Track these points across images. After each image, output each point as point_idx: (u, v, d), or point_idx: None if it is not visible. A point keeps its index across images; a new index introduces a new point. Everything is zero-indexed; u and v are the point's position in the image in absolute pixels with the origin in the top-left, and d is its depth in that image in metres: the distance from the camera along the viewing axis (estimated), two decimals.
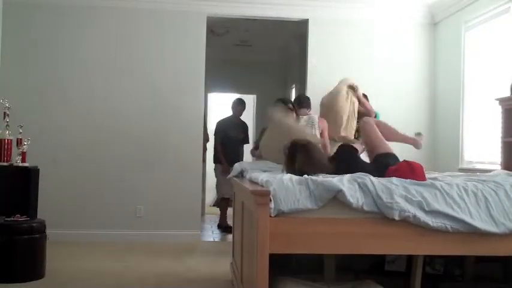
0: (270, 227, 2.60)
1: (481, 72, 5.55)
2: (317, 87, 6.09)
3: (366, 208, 2.70)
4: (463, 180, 3.04)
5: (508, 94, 4.52)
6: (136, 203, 6.03)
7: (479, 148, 5.55)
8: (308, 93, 6.20)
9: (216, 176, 7.20)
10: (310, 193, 2.71)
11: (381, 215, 2.72)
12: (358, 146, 4.38)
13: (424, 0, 6.18)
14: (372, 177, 2.84)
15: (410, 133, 6.27)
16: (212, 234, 6.89)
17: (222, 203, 7.09)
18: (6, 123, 4.75)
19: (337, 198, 2.70)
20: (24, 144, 4.79)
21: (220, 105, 9.32)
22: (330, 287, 3.08)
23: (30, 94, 5.92)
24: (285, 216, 2.68)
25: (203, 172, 6.87)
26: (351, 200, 2.68)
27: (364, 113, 5.53)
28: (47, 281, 4.12)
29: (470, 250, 2.87)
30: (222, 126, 7.14)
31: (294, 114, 4.71)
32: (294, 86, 9.14)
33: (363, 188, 2.75)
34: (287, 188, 2.73)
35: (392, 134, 3.94)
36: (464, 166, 5.63)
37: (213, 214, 7.79)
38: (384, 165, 3.30)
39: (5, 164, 4.65)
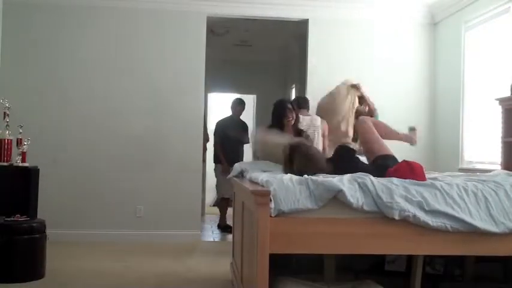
0: (270, 227, 2.60)
1: (481, 72, 5.55)
2: (317, 87, 6.09)
3: (366, 208, 2.70)
4: (463, 180, 3.04)
5: (508, 94, 4.51)
6: (136, 203, 6.03)
7: (479, 148, 5.55)
8: (308, 93, 6.22)
9: (216, 176, 7.20)
10: (310, 193, 2.71)
11: (381, 215, 2.72)
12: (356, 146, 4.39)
13: (424, 0, 6.18)
14: (372, 177, 2.84)
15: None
16: (212, 234, 6.89)
17: (222, 203, 7.09)
18: (6, 123, 4.75)
19: (337, 198, 2.70)
20: (24, 144, 4.79)
21: (220, 105, 9.31)
22: (330, 287, 3.08)
23: (30, 94, 5.92)
24: (285, 216, 2.68)
25: (203, 172, 6.87)
26: (351, 200, 2.68)
27: (362, 112, 5.53)
28: (47, 281, 4.12)
29: (470, 250, 2.87)
30: (221, 126, 7.15)
31: (294, 114, 4.72)
32: (294, 86, 9.14)
33: (363, 188, 2.75)
34: (287, 188, 2.73)
35: (388, 133, 3.95)
36: (464, 166, 5.63)
37: (213, 214, 7.79)
38: (384, 166, 3.30)
39: (5, 164, 4.65)
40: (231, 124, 7.13)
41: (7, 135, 4.71)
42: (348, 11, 6.27)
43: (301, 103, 5.41)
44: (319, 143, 5.21)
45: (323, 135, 5.40)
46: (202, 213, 7.50)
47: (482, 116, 5.47)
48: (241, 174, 3.99)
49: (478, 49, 5.61)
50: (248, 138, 7.32)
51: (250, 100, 9.80)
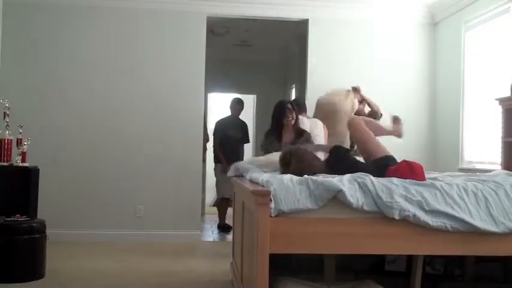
0: (270, 227, 2.60)
1: (481, 72, 5.55)
2: (317, 87, 6.09)
3: (366, 208, 2.70)
4: (463, 180, 3.04)
5: (508, 94, 4.51)
6: (136, 203, 6.03)
7: (479, 148, 5.55)
8: (308, 93, 6.23)
9: (216, 176, 7.20)
10: (311, 193, 2.71)
11: (381, 215, 2.72)
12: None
13: (424, 0, 6.18)
14: (371, 177, 2.84)
15: (409, 133, 6.32)
16: (212, 234, 6.89)
17: (222, 203, 7.09)
18: (6, 123, 4.75)
19: (337, 198, 2.70)
20: (24, 144, 4.79)
21: (220, 105, 9.32)
22: (330, 287, 3.09)
23: (30, 94, 5.92)
24: (285, 216, 2.68)
25: (203, 172, 6.87)
26: (351, 200, 2.68)
27: (362, 113, 5.52)
28: (47, 281, 4.12)
29: (470, 250, 2.87)
30: (221, 126, 7.15)
31: (294, 114, 4.73)
32: (294, 86, 9.14)
33: (363, 187, 2.75)
34: (287, 188, 2.73)
35: (377, 129, 3.95)
36: (464, 166, 5.63)
37: (213, 214, 7.78)
38: (384, 166, 3.30)
39: (5, 164, 4.65)
40: (231, 124, 7.12)
41: (7, 135, 4.71)
42: (348, 11, 6.27)
43: (300, 106, 5.39)
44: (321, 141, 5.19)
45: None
46: (202, 213, 7.49)
47: (482, 116, 5.47)
48: (240, 174, 3.99)
49: (478, 49, 5.61)
50: (248, 138, 7.33)
51: (250, 100, 9.81)
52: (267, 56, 9.58)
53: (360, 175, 2.86)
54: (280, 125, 4.73)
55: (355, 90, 5.61)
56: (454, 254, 3.02)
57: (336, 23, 6.29)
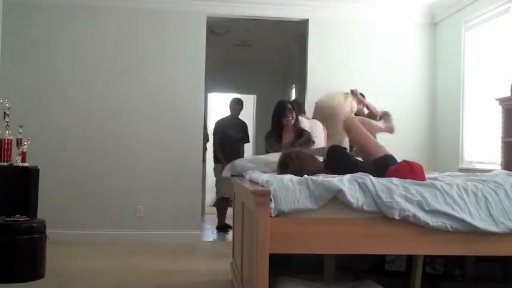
0: (270, 227, 2.60)
1: (481, 72, 5.55)
2: (317, 87, 6.10)
3: (366, 208, 2.70)
4: (463, 180, 3.04)
5: (508, 94, 4.51)
6: (136, 203, 6.03)
7: (479, 148, 5.55)
8: (308, 93, 6.24)
9: (216, 176, 7.20)
10: (310, 193, 2.71)
11: (381, 215, 2.72)
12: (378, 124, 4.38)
13: (424, 0, 6.18)
14: (371, 177, 2.84)
15: (409, 133, 6.34)
16: (212, 234, 6.89)
17: (222, 202, 7.09)
18: (6, 123, 4.75)
19: (337, 198, 2.70)
20: (24, 144, 4.79)
21: (220, 105, 9.32)
22: (330, 287, 3.08)
23: (30, 94, 5.92)
24: (285, 216, 2.68)
25: (203, 172, 6.87)
26: (351, 200, 2.68)
27: (361, 114, 5.52)
28: (47, 281, 4.12)
29: (470, 250, 2.87)
30: (220, 126, 7.15)
31: (294, 114, 4.73)
32: (294, 86, 9.14)
33: (363, 188, 2.75)
34: (287, 188, 2.73)
35: (371, 128, 3.96)
36: (464, 166, 5.63)
37: (213, 214, 7.77)
38: (384, 166, 3.30)
39: (5, 164, 4.65)
40: (230, 124, 7.12)
41: (7, 135, 4.71)
42: (348, 11, 6.27)
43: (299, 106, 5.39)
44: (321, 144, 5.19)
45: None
46: (202, 213, 7.49)
47: (482, 116, 5.47)
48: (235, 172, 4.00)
49: (478, 49, 5.61)
50: (248, 138, 7.33)
51: (250, 100, 9.80)
52: (267, 56, 9.58)
53: (360, 175, 2.86)
54: (281, 125, 4.73)
55: (353, 93, 5.61)
56: (454, 254, 3.02)
57: (336, 23, 6.29)
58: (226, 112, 7.33)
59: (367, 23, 6.35)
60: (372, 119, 5.32)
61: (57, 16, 6.01)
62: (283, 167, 3.41)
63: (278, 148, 4.45)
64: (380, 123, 4.31)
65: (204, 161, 6.77)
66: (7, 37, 5.89)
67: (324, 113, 5.56)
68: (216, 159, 7.10)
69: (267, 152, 4.55)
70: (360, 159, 3.70)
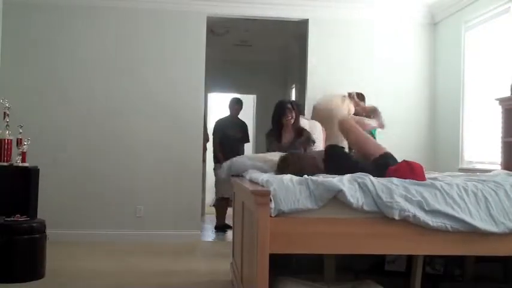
0: (270, 227, 2.60)
1: (481, 72, 5.55)
2: (317, 87, 6.10)
3: (366, 208, 2.70)
4: (463, 180, 3.04)
5: (508, 94, 4.52)
6: (136, 203, 6.03)
7: (479, 148, 5.55)
8: (308, 93, 6.24)
9: (215, 176, 7.20)
10: (310, 193, 2.71)
11: (381, 215, 2.72)
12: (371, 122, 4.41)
13: (424, 0, 6.18)
14: (371, 177, 2.84)
15: (409, 133, 6.35)
16: (212, 234, 6.89)
17: (222, 202, 7.10)
18: (6, 123, 4.75)
19: (337, 198, 2.70)
20: (24, 144, 4.79)
21: (220, 105, 9.32)
22: (330, 287, 3.08)
23: (30, 94, 5.92)
24: (285, 216, 2.68)
25: (203, 172, 6.87)
26: (351, 200, 2.68)
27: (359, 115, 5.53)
28: (47, 281, 4.12)
29: (470, 250, 2.87)
30: (220, 125, 7.15)
31: (294, 113, 4.74)
32: (294, 86, 9.14)
33: (363, 187, 2.75)
34: (287, 188, 2.73)
35: (366, 126, 3.97)
36: (464, 166, 5.63)
37: (213, 214, 7.77)
38: (384, 165, 3.30)
39: (5, 164, 4.65)
40: (230, 124, 7.13)
41: (7, 135, 4.71)
42: (348, 11, 6.27)
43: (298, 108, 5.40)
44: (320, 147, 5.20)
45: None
46: (202, 213, 7.49)
47: (482, 116, 5.47)
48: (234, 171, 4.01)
49: (478, 49, 5.61)
50: (248, 138, 7.33)
51: (250, 100, 9.81)
52: (267, 56, 9.59)
53: (360, 175, 2.86)
54: (280, 125, 4.74)
55: (350, 96, 5.60)
56: (454, 254, 3.02)
57: (336, 23, 6.29)
58: (226, 112, 7.33)
59: (367, 23, 6.35)
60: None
61: (57, 16, 6.01)
62: (284, 167, 3.41)
63: (278, 147, 4.47)
64: (373, 121, 4.32)
65: (204, 161, 6.77)
66: (7, 37, 5.89)
67: (321, 116, 5.56)
68: (216, 159, 7.10)
69: (267, 151, 4.57)
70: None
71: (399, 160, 3.35)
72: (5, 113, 4.79)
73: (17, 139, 4.79)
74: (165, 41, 6.15)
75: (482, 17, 5.46)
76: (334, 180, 2.77)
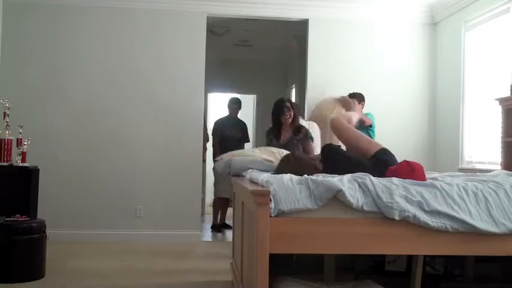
0: (270, 227, 2.60)
1: (481, 72, 5.55)
2: (317, 87, 6.10)
3: (366, 208, 2.70)
4: (463, 180, 3.04)
5: (508, 94, 4.52)
6: (136, 203, 6.03)
7: (479, 148, 5.55)
8: (308, 94, 6.23)
9: (215, 176, 7.19)
10: (310, 193, 2.71)
11: (381, 215, 2.71)
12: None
13: (424, 0, 6.18)
14: (372, 177, 2.84)
15: (409, 133, 6.35)
16: (212, 234, 6.89)
17: (219, 202, 7.10)
18: (6, 123, 4.75)
19: (337, 198, 2.70)
20: (24, 144, 4.79)
21: (220, 105, 9.32)
22: (330, 287, 3.08)
23: (30, 94, 5.92)
24: (285, 216, 2.68)
25: (203, 172, 6.87)
26: (351, 200, 2.68)
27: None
28: (47, 281, 4.12)
29: (470, 250, 2.86)
30: (219, 125, 7.16)
31: (292, 113, 4.76)
32: (294, 86, 9.14)
33: (362, 187, 2.74)
34: (287, 187, 2.73)
35: (352, 122, 3.99)
36: (464, 166, 5.63)
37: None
38: (382, 161, 3.30)
39: (5, 164, 4.65)
40: (228, 123, 7.14)
41: (7, 135, 4.71)
42: (348, 11, 6.27)
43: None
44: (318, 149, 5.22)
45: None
46: (202, 213, 7.49)
47: (482, 116, 5.48)
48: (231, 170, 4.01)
49: (478, 49, 5.61)
50: (248, 137, 7.33)
51: (250, 100, 9.81)
52: (267, 56, 9.59)
53: (360, 175, 2.86)
54: (280, 123, 4.78)
55: (342, 100, 5.61)
56: (454, 254, 3.01)
57: (336, 23, 6.29)
58: (226, 112, 7.34)
59: (367, 23, 6.35)
60: (361, 124, 5.39)
61: (57, 16, 6.01)
62: (283, 168, 3.41)
63: (276, 145, 4.48)
64: (354, 115, 4.35)
65: (204, 161, 6.77)
66: (7, 37, 5.89)
67: (316, 119, 5.61)
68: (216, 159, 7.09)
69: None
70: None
71: (399, 160, 3.35)
72: (5, 113, 4.79)
73: (17, 139, 4.79)
74: (165, 40, 6.15)
75: (482, 17, 5.46)
76: (334, 180, 2.77)
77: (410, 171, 3.08)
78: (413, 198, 2.73)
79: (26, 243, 4.11)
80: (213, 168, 7.22)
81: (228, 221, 6.69)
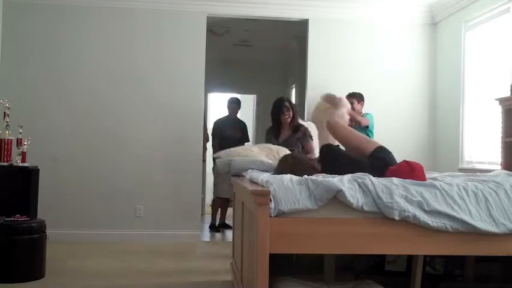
0: (270, 227, 2.60)
1: (481, 72, 5.55)
2: (317, 87, 6.09)
3: (366, 208, 2.70)
4: (463, 180, 3.04)
5: (508, 94, 4.52)
6: (136, 203, 6.02)
7: (479, 148, 5.55)
8: (308, 94, 6.23)
9: (214, 176, 7.19)
10: (310, 193, 2.71)
11: (381, 215, 2.71)
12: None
13: (424, 0, 6.18)
14: (372, 177, 2.84)
15: (408, 133, 6.35)
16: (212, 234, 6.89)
17: (217, 202, 7.09)
18: (6, 123, 4.75)
19: (337, 198, 2.70)
20: (24, 144, 4.79)
21: (220, 105, 9.32)
22: (330, 287, 3.08)
23: (30, 94, 5.92)
24: (285, 216, 2.68)
25: (203, 172, 6.87)
26: (351, 200, 2.68)
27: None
28: (47, 281, 4.12)
29: (470, 250, 2.86)
30: (219, 125, 7.16)
31: (291, 112, 4.77)
32: (294, 86, 9.14)
33: (363, 188, 2.74)
34: (287, 188, 2.73)
35: (343, 120, 4.01)
36: (464, 166, 5.63)
37: None
38: (380, 159, 3.30)
39: (5, 164, 4.65)
40: (228, 123, 7.13)
41: (7, 135, 4.71)
42: (348, 11, 6.27)
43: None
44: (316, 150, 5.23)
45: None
46: (202, 213, 7.49)
47: (482, 115, 5.48)
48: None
49: (478, 49, 5.61)
50: (247, 137, 7.33)
51: (250, 100, 9.81)
52: (267, 56, 9.59)
53: (360, 175, 2.86)
54: (278, 122, 4.80)
55: (327, 97, 5.61)
56: (454, 254, 3.01)
57: (336, 23, 6.29)
58: (225, 112, 7.34)
59: (367, 23, 6.35)
60: (358, 124, 5.40)
61: (57, 16, 6.01)
62: (282, 168, 3.41)
63: (276, 144, 4.48)
64: (341, 109, 4.38)
65: (204, 161, 6.77)
66: (7, 37, 5.89)
67: (313, 120, 5.63)
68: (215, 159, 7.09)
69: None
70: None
71: (399, 160, 3.35)
72: (5, 113, 4.79)
73: (17, 139, 4.79)
74: (165, 40, 6.15)
75: (482, 17, 5.46)
76: (334, 180, 2.77)
77: (410, 171, 3.08)
78: (413, 198, 2.73)
79: (26, 243, 4.11)
80: (213, 168, 7.26)
81: (228, 221, 6.69)
